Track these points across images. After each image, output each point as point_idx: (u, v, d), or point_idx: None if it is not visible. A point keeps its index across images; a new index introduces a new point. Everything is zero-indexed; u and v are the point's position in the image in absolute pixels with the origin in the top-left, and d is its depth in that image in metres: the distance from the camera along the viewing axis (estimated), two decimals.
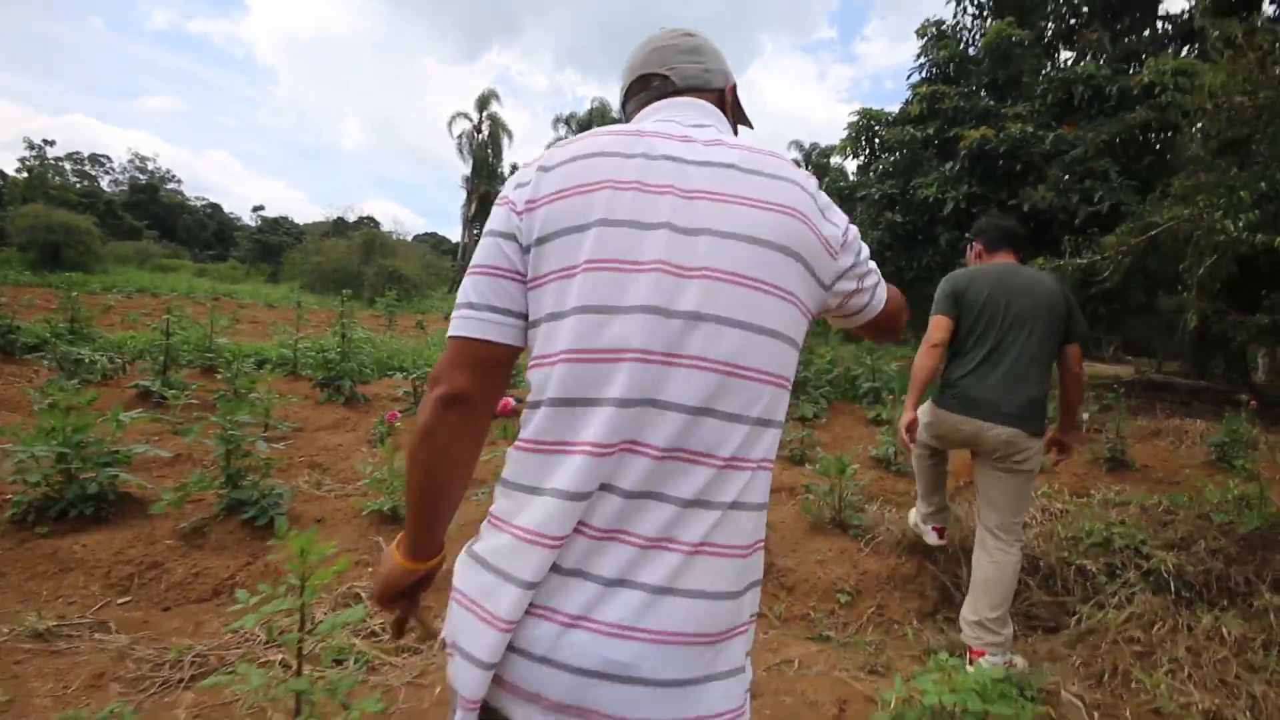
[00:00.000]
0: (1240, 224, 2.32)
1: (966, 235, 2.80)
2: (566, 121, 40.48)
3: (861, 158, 10.65)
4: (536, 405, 0.70)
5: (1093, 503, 3.69)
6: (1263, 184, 2.41)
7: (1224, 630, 2.27)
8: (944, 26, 11.21)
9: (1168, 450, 6.08)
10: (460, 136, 38.00)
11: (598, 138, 0.76)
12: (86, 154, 52.35)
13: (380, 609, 0.95)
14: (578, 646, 0.63)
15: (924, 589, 2.72)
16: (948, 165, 8.47)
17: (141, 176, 53.78)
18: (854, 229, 0.83)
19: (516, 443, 0.72)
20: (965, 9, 11.41)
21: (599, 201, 0.70)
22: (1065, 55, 11.44)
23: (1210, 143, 3.10)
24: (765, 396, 0.70)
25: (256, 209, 55.46)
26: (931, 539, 2.74)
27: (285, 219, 51.60)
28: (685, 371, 0.66)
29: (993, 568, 2.20)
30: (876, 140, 10.14)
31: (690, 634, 0.64)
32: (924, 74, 10.93)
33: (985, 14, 11.30)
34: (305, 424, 4.87)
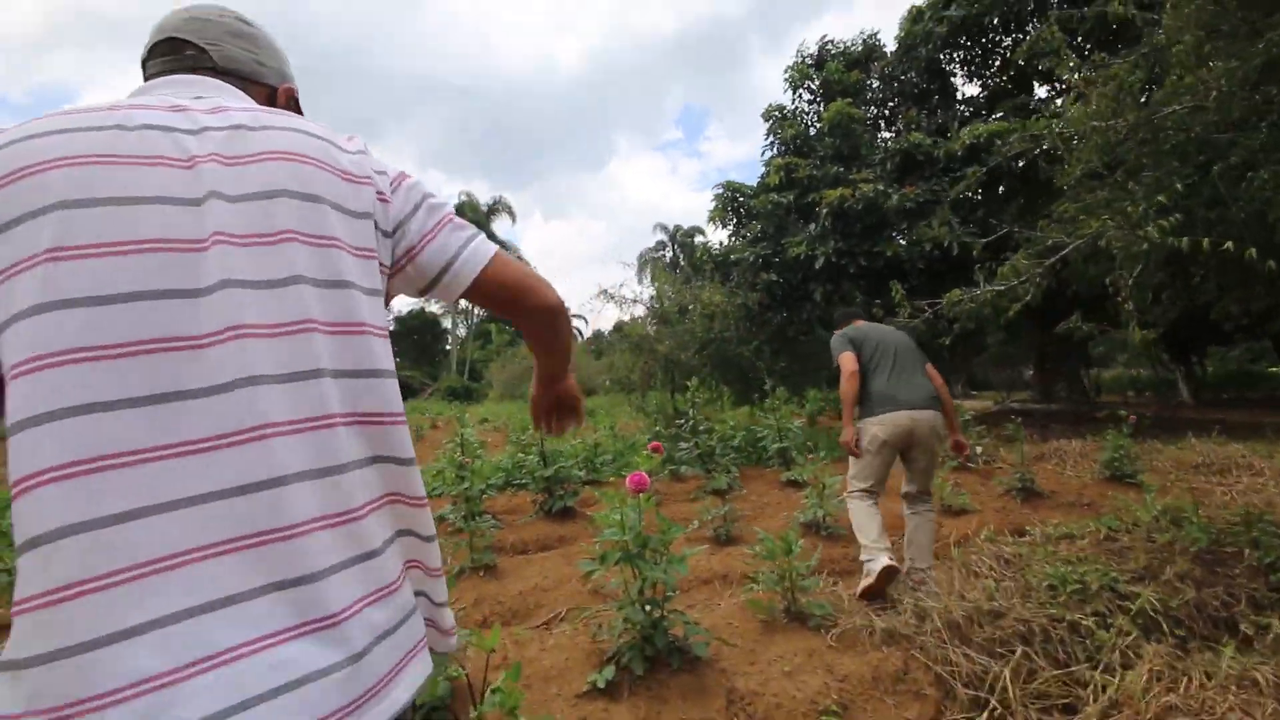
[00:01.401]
0: (1161, 229, 2.29)
1: (834, 327, 3.54)
2: None
3: (730, 227, 11.09)
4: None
5: (1037, 541, 3.46)
6: (1179, 185, 2.43)
7: (1258, 677, 1.96)
8: (786, 110, 12.26)
9: (1057, 472, 6.28)
10: None
11: (48, 118, 0.61)
12: None
13: None
14: None
15: (919, 686, 2.21)
16: (811, 226, 8.93)
17: None
18: (412, 179, 0.78)
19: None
20: (801, 96, 12.58)
21: (54, 182, 0.56)
22: (885, 135, 12.87)
23: (1092, 165, 3.26)
24: (371, 345, 0.66)
25: None
26: (883, 561, 2.84)
27: None
28: (221, 348, 0.57)
29: (922, 523, 3.16)
30: (742, 210, 10.61)
31: None
32: (775, 151, 11.77)
33: (818, 99, 12.52)
34: None
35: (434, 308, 42.94)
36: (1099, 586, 2.58)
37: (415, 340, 41.58)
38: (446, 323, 42.92)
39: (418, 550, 0.71)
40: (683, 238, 41.88)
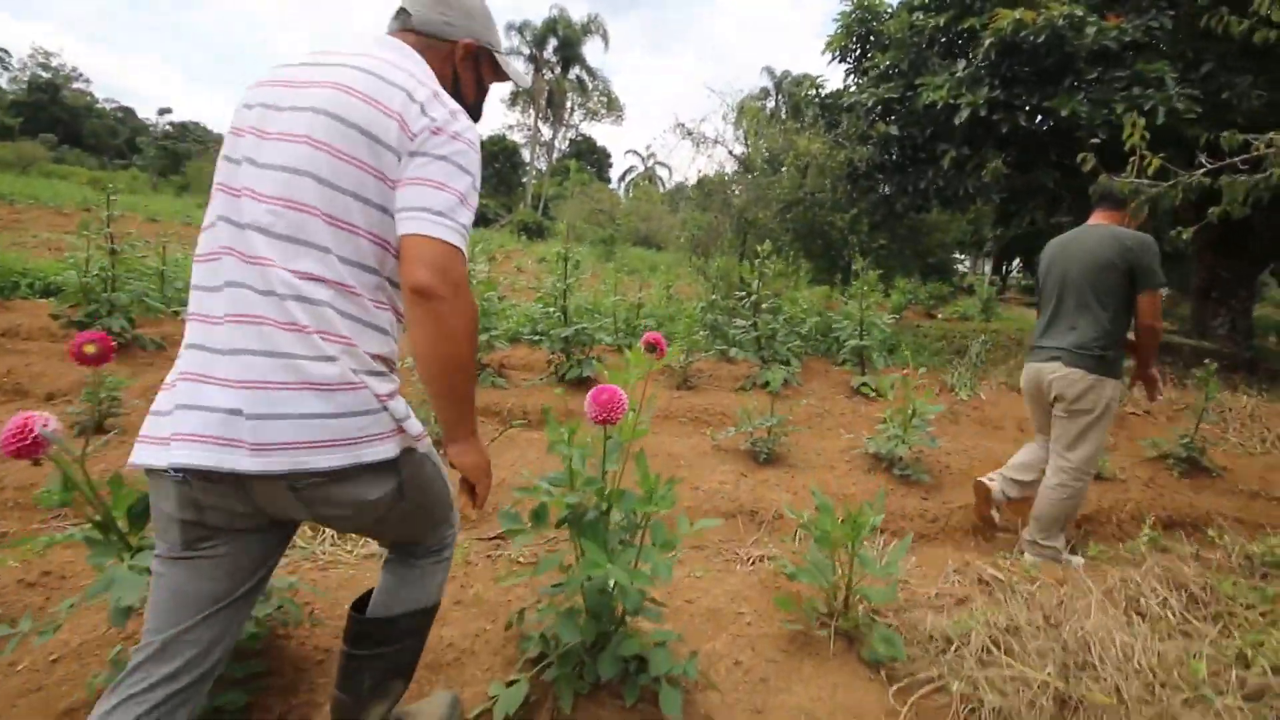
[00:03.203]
0: None
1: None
2: (520, 30, 36.58)
3: (850, 61, 8.80)
4: None
5: (1234, 565, 2.28)
6: None
7: None
8: None
9: (1219, 436, 4.83)
10: None
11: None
12: None
13: None
14: None
15: None
16: (960, 65, 6.79)
17: (43, 74, 46.59)
18: (461, 145, 1.00)
19: None
20: None
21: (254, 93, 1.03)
22: None
23: None
24: (317, 228, 0.94)
25: (163, 112, 49.43)
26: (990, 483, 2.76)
27: (195, 124, 46.03)
28: (265, 204, 0.94)
29: (1041, 489, 2.56)
30: (871, 38, 8.30)
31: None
32: None
33: None
34: None
35: (515, 135, 40.93)
36: None
37: (496, 169, 40.05)
38: (526, 154, 40.99)
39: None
40: (790, 86, 36.76)
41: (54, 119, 41.66)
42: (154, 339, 4.38)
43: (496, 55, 1.20)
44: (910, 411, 3.21)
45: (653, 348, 1.32)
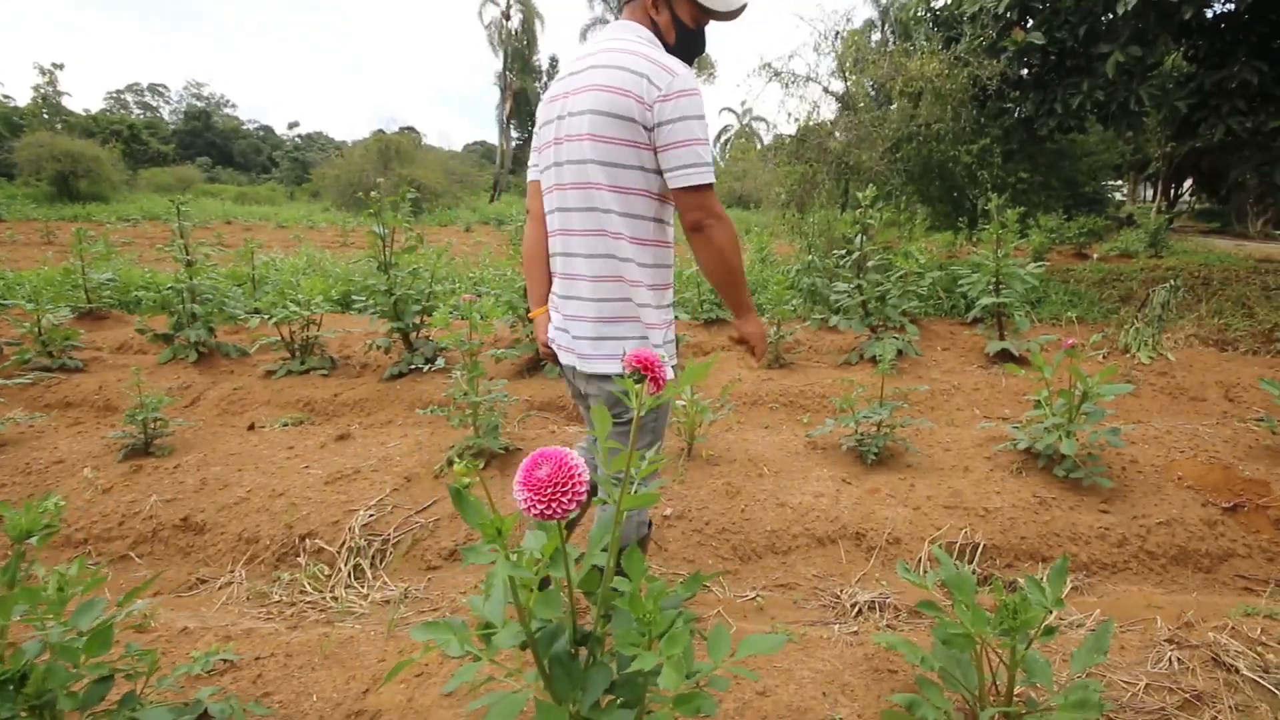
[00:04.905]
0: None
1: None
2: None
3: None
4: None
5: None
6: None
7: None
8: None
9: None
10: (490, 25, 34.05)
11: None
12: (145, 84, 51.74)
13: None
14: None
15: None
16: None
17: (197, 103, 52.92)
18: (683, 100, 1.23)
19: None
20: None
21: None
22: None
23: None
24: (602, 195, 1.29)
25: (292, 125, 54.22)
26: None
27: (320, 134, 50.04)
28: (566, 190, 1.34)
29: None
30: None
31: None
32: None
33: None
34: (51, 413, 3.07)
35: None
36: None
37: None
38: None
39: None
40: (899, 12, 32.93)
41: (208, 143, 47.02)
42: (237, 346, 4.41)
43: None
44: (1079, 393, 2.40)
45: (641, 376, 0.78)
